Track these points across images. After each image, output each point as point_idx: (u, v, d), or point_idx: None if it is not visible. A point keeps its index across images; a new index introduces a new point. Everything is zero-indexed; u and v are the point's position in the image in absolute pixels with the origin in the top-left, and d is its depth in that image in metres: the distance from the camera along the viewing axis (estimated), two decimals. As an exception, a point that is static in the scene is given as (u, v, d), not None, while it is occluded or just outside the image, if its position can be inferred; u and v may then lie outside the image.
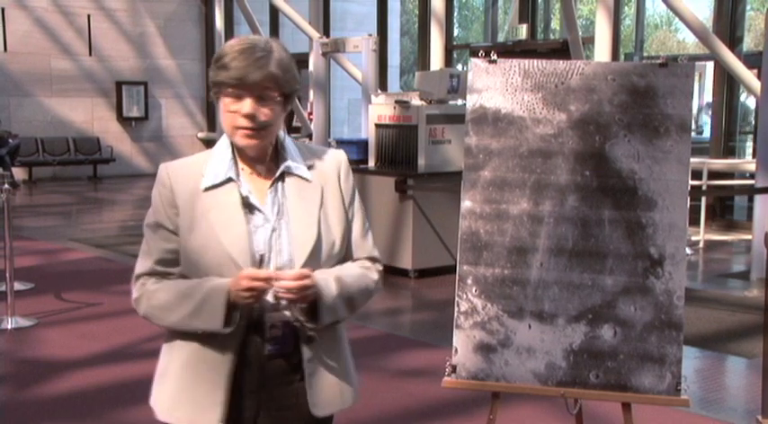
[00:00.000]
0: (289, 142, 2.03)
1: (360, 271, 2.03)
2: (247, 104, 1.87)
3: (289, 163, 1.98)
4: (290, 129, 10.48)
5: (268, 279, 1.84)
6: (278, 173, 1.97)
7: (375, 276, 2.06)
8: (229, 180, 1.95)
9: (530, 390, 2.75)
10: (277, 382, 1.98)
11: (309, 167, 2.01)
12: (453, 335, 2.77)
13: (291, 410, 1.99)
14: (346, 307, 1.98)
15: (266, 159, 1.98)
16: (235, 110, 1.88)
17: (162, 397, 2.01)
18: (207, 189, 1.94)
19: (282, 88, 1.89)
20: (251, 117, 1.87)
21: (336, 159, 2.06)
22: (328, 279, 1.93)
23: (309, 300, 1.90)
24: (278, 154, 2.00)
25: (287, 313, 1.94)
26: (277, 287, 1.85)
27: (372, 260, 2.08)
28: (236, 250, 1.89)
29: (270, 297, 1.90)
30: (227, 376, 1.93)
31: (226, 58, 1.87)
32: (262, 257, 1.92)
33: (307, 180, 1.99)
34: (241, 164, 1.98)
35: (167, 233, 1.96)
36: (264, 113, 1.88)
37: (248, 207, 1.94)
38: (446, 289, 6.67)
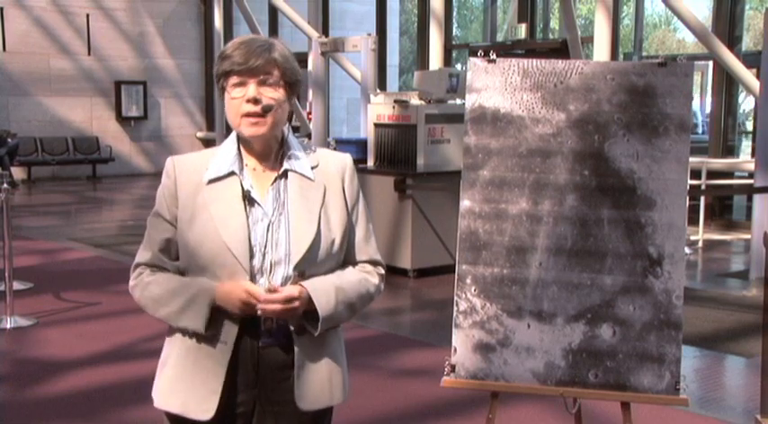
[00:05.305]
0: (294, 141, 2.06)
1: (360, 277, 2.06)
2: (252, 88, 1.92)
3: (292, 160, 2.01)
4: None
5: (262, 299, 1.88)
6: (281, 171, 2.00)
7: (376, 280, 2.10)
8: (232, 173, 1.98)
9: (529, 389, 2.75)
10: (272, 376, 1.99)
11: (314, 167, 2.03)
12: (452, 335, 2.77)
13: (287, 405, 1.99)
14: (347, 313, 2.02)
15: (271, 155, 2.02)
16: (239, 96, 1.92)
17: (160, 385, 2.04)
18: (210, 182, 1.97)
19: (285, 75, 1.94)
20: (255, 100, 1.91)
21: (342, 162, 2.08)
22: (328, 290, 1.96)
23: (297, 315, 1.94)
24: (283, 151, 2.03)
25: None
26: (262, 306, 1.89)
27: (374, 263, 2.11)
28: (233, 241, 1.92)
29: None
30: (225, 366, 1.95)
31: (228, 50, 1.94)
32: (253, 249, 1.94)
33: (309, 178, 2.01)
34: (246, 160, 2.01)
35: (166, 223, 2.01)
36: (268, 97, 1.92)
37: (249, 200, 1.97)
38: (445, 289, 6.67)
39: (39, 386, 4.60)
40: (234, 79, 1.92)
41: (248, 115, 1.92)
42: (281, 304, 1.89)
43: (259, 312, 1.90)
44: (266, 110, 1.92)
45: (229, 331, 1.95)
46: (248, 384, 1.99)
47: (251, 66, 1.90)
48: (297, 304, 1.90)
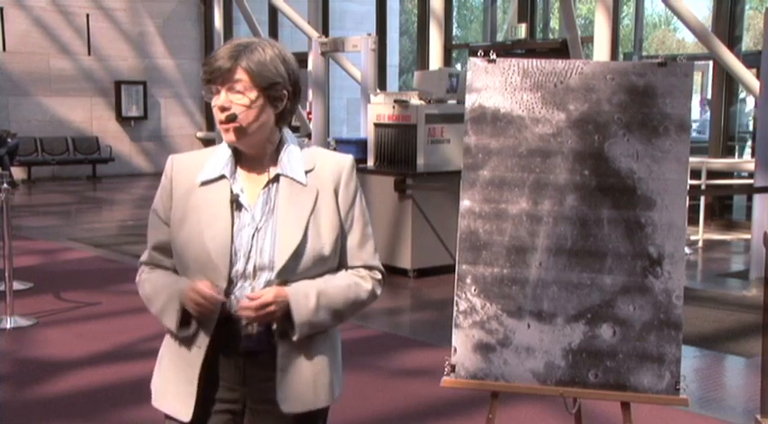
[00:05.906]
0: (292, 144, 2.02)
1: (349, 282, 2.01)
2: (221, 97, 1.91)
3: (286, 164, 1.98)
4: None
5: (213, 299, 1.88)
6: (272, 175, 1.97)
7: (369, 285, 2.04)
8: (222, 177, 1.97)
9: (529, 389, 2.75)
10: (259, 376, 1.99)
11: (309, 171, 1.99)
12: (452, 335, 2.77)
13: (274, 404, 1.98)
14: (330, 319, 1.98)
15: (264, 158, 1.99)
16: (214, 105, 1.93)
17: (156, 384, 2.08)
18: (203, 184, 1.97)
19: (255, 79, 1.89)
20: (223, 108, 1.91)
21: (339, 165, 2.02)
22: (308, 294, 1.93)
23: (275, 319, 1.93)
24: (279, 154, 2.00)
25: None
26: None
27: (369, 268, 2.05)
28: (214, 246, 1.92)
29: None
30: (197, 371, 1.96)
31: (211, 55, 1.94)
32: (237, 255, 1.93)
33: (301, 183, 1.97)
34: (240, 162, 2.00)
35: (160, 222, 2.03)
36: (237, 106, 1.90)
37: (237, 205, 1.96)
38: (445, 289, 6.66)
39: (39, 386, 4.60)
40: (212, 87, 1.92)
41: (221, 122, 1.92)
42: (254, 310, 1.88)
43: (234, 311, 1.92)
44: (230, 119, 1.90)
45: (204, 337, 1.96)
46: (236, 382, 2.00)
47: (216, 75, 1.89)
48: (272, 308, 1.89)
